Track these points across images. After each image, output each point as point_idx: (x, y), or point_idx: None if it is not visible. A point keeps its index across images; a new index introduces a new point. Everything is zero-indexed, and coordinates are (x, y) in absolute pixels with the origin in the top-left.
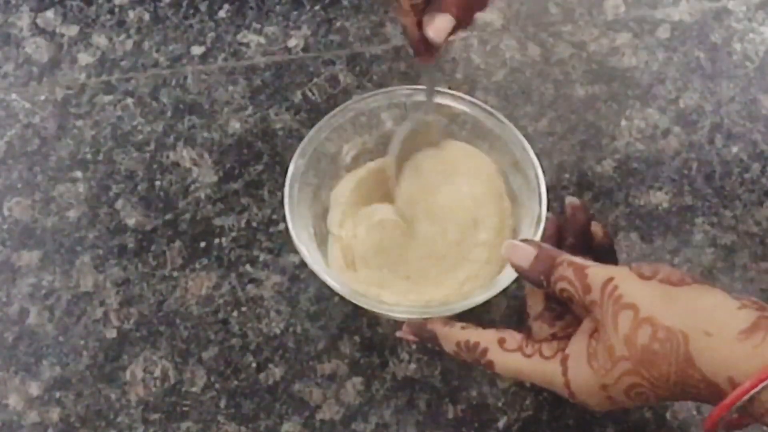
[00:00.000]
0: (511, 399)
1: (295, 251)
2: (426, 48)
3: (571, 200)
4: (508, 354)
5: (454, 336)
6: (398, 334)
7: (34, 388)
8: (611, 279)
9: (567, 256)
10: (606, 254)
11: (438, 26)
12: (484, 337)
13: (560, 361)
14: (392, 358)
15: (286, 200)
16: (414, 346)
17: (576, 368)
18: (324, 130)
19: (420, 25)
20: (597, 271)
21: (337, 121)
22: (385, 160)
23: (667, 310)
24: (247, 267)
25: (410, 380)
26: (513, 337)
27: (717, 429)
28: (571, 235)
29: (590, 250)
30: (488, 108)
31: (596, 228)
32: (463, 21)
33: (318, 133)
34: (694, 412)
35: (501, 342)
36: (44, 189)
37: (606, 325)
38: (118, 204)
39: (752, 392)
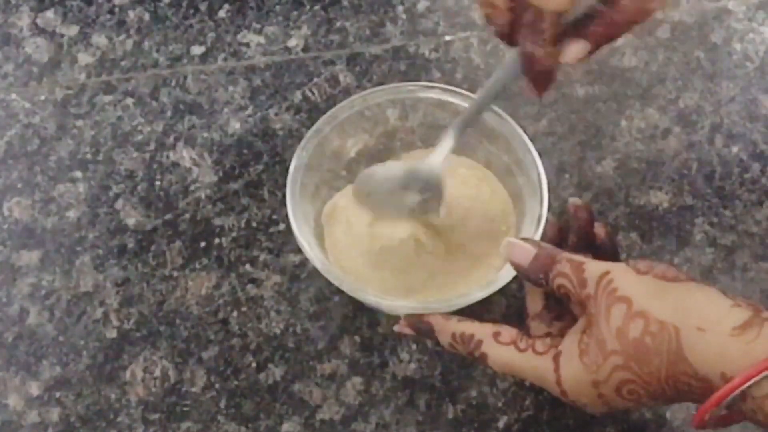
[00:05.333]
0: (511, 399)
1: (296, 251)
2: (543, 80)
3: (573, 200)
4: (501, 347)
5: (450, 328)
6: (395, 328)
7: (34, 388)
8: (607, 273)
9: (566, 254)
10: (608, 254)
11: (573, 52)
12: (479, 330)
13: (552, 358)
14: (392, 358)
15: (288, 194)
16: (414, 346)
17: (567, 365)
18: (326, 126)
19: (548, 50)
20: (594, 266)
21: (339, 116)
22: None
23: (660, 304)
24: (247, 267)
25: (410, 380)
26: (508, 332)
27: (706, 424)
28: (574, 234)
29: (593, 250)
30: (491, 106)
31: (599, 228)
32: (594, 50)
33: (320, 129)
34: (694, 413)
35: (495, 335)
36: (44, 189)
37: (599, 318)
38: (118, 204)
39: (743, 387)
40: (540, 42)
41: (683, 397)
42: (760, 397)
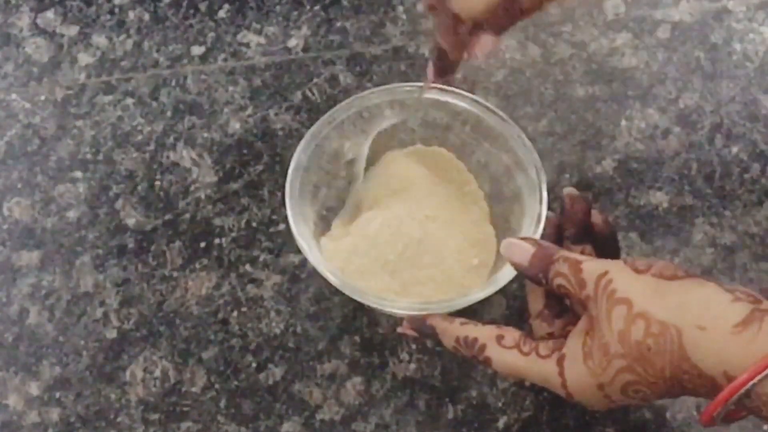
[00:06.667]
0: (511, 399)
1: (295, 251)
2: (448, 69)
3: (569, 191)
4: (505, 351)
5: (454, 331)
6: (399, 329)
7: (34, 388)
8: (605, 273)
9: (563, 252)
10: (607, 242)
11: (484, 47)
12: (483, 334)
13: (556, 361)
14: (392, 358)
15: (287, 195)
16: (414, 346)
17: (572, 368)
18: (325, 127)
19: (457, 47)
20: (592, 266)
21: (338, 117)
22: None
23: (660, 304)
24: (247, 267)
25: (410, 380)
26: (511, 335)
27: (714, 422)
28: (572, 225)
29: (592, 239)
30: (490, 106)
31: (596, 217)
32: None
33: (319, 130)
34: (694, 412)
35: (499, 339)
36: (44, 189)
37: (600, 321)
38: (118, 204)
39: (748, 385)
40: (452, 41)
41: (690, 394)
42: (765, 394)
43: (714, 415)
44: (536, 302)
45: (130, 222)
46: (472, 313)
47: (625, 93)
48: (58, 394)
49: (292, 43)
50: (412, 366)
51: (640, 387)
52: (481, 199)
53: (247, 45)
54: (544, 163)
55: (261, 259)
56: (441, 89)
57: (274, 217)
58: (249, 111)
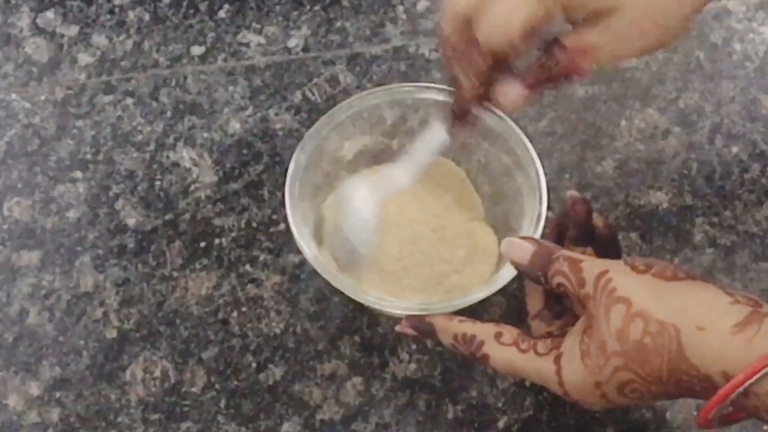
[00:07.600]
0: (511, 399)
1: (295, 251)
2: (467, 117)
3: (571, 193)
4: (503, 348)
5: (452, 329)
6: (397, 328)
7: (34, 388)
8: (605, 272)
9: (563, 251)
10: (608, 245)
11: (509, 94)
12: (481, 331)
13: (554, 360)
14: (392, 358)
15: (287, 196)
16: (414, 346)
17: (569, 366)
18: (325, 127)
19: (479, 91)
20: (591, 265)
21: (338, 117)
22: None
23: (659, 304)
24: (247, 267)
25: (410, 380)
26: (509, 332)
27: (711, 423)
28: (573, 227)
29: (592, 242)
30: (490, 106)
31: (597, 219)
32: (534, 95)
33: (319, 130)
34: (694, 413)
35: (497, 336)
36: (44, 189)
37: (599, 319)
38: (118, 204)
39: (745, 385)
40: (471, 74)
41: (687, 395)
42: (763, 393)
43: (711, 415)
44: (535, 302)
45: (130, 222)
46: (471, 313)
47: (625, 93)
48: (58, 394)
49: (292, 43)
50: (412, 366)
51: (636, 386)
52: (478, 204)
53: (247, 45)
54: (544, 163)
55: (261, 259)
56: (440, 89)
57: (274, 217)
58: (249, 111)
